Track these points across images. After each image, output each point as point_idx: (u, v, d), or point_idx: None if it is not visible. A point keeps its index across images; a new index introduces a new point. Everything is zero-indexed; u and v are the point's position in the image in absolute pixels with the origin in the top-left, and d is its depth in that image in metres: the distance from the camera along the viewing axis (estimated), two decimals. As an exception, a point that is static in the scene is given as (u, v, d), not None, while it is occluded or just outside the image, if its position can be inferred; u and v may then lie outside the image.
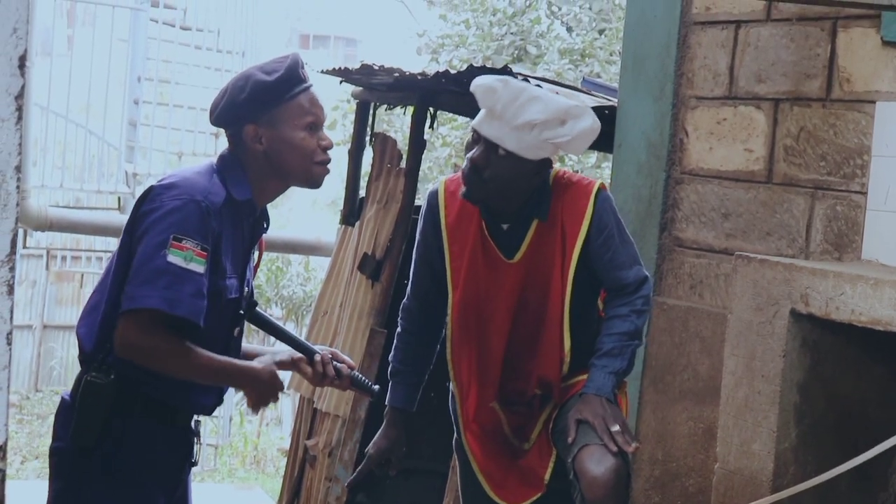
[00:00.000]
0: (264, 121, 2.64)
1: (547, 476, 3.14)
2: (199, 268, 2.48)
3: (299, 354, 2.85)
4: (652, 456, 3.97)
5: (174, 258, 2.46)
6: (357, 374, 2.90)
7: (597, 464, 2.86)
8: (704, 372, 3.79)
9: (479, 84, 2.98)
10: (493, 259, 3.09)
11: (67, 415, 2.61)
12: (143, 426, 2.60)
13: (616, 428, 2.91)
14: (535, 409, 3.16)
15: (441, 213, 3.13)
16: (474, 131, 3.00)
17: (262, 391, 2.66)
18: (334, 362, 2.87)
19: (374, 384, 2.96)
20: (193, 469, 2.81)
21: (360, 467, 3.30)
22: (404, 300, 3.30)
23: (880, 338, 2.94)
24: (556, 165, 3.16)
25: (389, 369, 3.31)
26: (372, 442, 3.30)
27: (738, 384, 3.23)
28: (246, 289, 2.73)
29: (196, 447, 2.76)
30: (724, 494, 3.26)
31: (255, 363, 2.66)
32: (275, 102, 2.64)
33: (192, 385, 2.65)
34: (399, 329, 3.31)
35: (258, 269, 2.87)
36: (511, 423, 3.19)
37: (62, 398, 2.68)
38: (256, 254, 2.83)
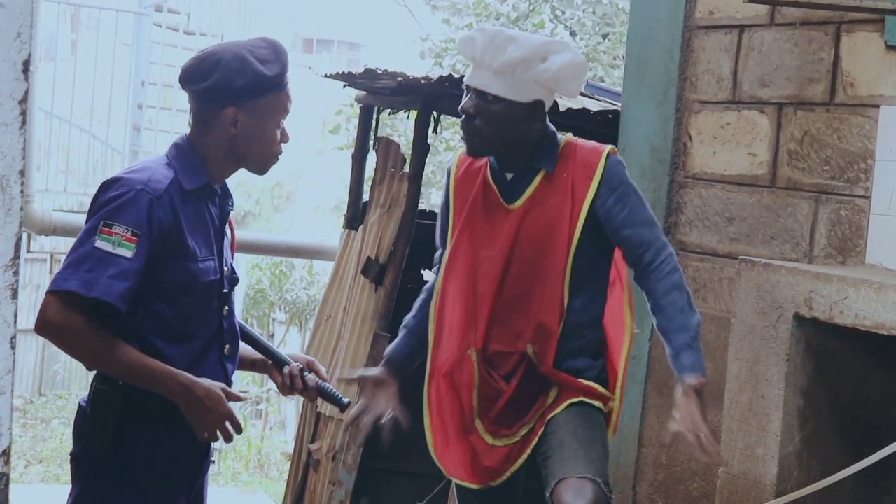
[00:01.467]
0: (246, 107, 2.67)
1: (500, 479, 3.09)
2: (126, 252, 2.50)
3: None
4: (656, 460, 3.97)
5: (102, 243, 2.49)
6: (326, 385, 2.90)
7: (574, 496, 2.82)
8: (708, 376, 3.78)
9: (460, 39, 3.05)
10: (493, 204, 3.08)
11: (83, 421, 2.64)
12: (156, 430, 2.61)
13: (704, 434, 2.83)
14: (515, 382, 3.04)
15: (452, 173, 3.18)
16: (465, 86, 3.03)
17: (196, 409, 2.58)
18: (305, 373, 2.87)
19: (345, 398, 2.94)
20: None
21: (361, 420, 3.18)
22: (430, 280, 3.29)
23: (884, 342, 2.94)
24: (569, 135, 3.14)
25: (401, 325, 3.32)
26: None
27: (741, 388, 3.23)
28: (226, 268, 2.75)
29: (213, 445, 2.77)
30: (728, 498, 3.26)
31: (199, 379, 2.59)
32: (263, 94, 2.67)
33: None
34: (420, 299, 3.29)
35: (234, 251, 2.87)
36: (482, 394, 3.08)
37: (79, 404, 2.71)
38: (229, 233, 2.84)
